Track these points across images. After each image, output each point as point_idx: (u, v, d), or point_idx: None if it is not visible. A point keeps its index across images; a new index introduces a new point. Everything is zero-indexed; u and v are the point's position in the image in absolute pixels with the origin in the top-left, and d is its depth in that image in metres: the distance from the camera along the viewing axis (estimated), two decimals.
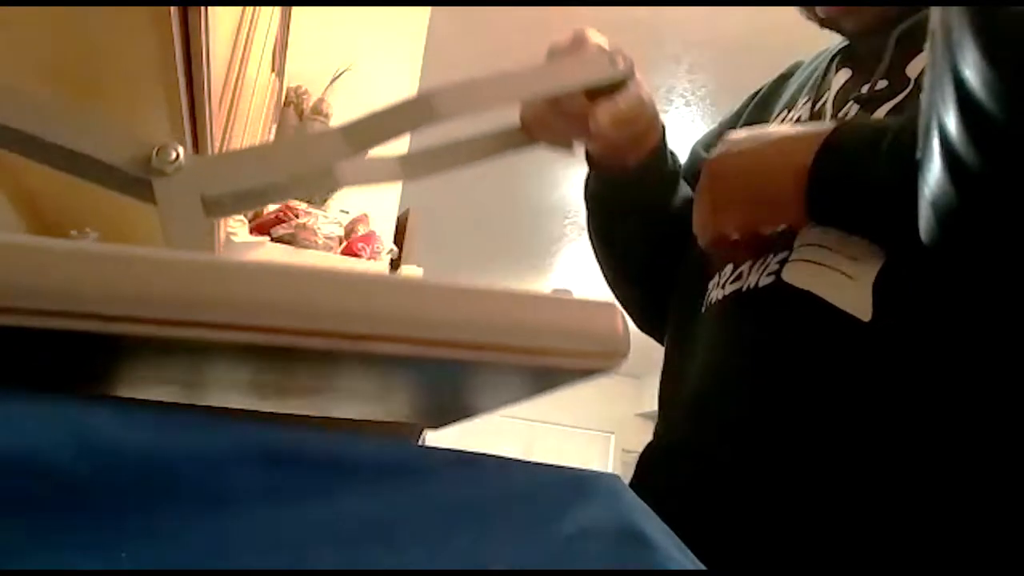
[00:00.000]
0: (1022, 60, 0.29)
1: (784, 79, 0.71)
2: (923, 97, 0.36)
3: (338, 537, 0.24)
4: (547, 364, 0.28)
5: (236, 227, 1.88)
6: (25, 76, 0.76)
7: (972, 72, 0.31)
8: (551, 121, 0.56)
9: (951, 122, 0.33)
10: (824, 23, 0.63)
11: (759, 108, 0.71)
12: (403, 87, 2.76)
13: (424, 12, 2.87)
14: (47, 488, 0.21)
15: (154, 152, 0.39)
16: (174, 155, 0.39)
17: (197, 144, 0.88)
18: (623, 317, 0.30)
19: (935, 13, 0.35)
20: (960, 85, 0.32)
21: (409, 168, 0.56)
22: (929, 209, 0.37)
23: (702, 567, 0.28)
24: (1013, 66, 0.30)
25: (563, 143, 0.58)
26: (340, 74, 2.51)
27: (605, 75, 0.54)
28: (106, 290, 0.24)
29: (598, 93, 0.54)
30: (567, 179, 4.39)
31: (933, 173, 0.35)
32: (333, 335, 0.26)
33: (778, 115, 0.66)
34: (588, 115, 0.53)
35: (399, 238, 2.66)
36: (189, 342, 0.25)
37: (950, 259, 0.37)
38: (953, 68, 0.32)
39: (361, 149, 0.47)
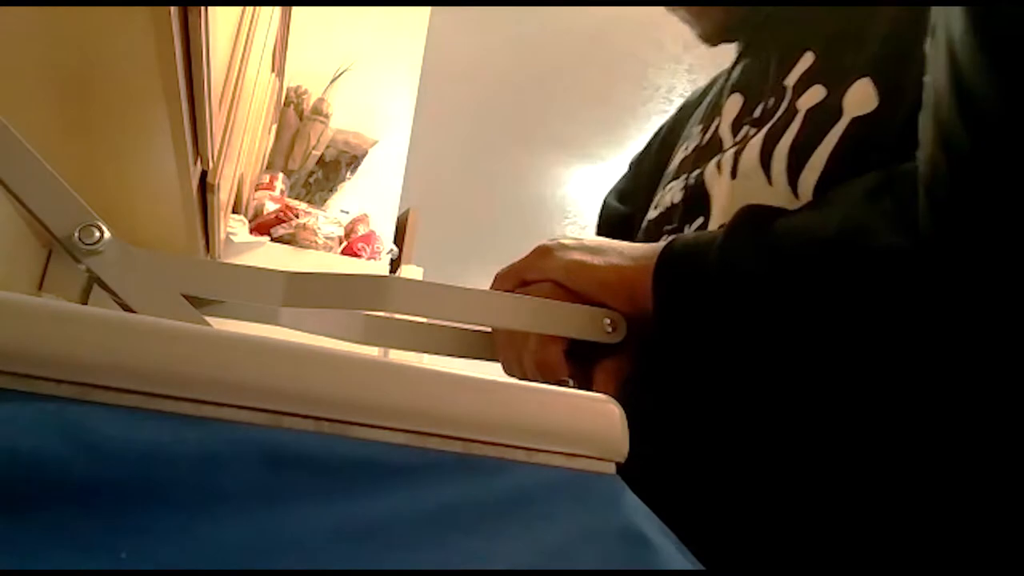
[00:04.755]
0: (1014, 49, 0.30)
1: (687, 108, 0.71)
2: (925, 84, 0.37)
3: (337, 537, 0.24)
4: (537, 462, 0.28)
5: (236, 227, 1.88)
6: (26, 76, 0.76)
7: (967, 61, 0.31)
8: (517, 353, 0.51)
9: (946, 110, 0.33)
10: (688, 22, 0.63)
11: (663, 146, 0.70)
12: (403, 87, 2.76)
13: (424, 12, 2.87)
14: (47, 488, 0.21)
15: (76, 233, 0.38)
16: (97, 235, 0.38)
17: (197, 144, 0.88)
18: (623, 415, 0.30)
19: (935, 10, 0.35)
20: (956, 75, 0.32)
21: (371, 333, 0.52)
22: (925, 198, 0.37)
23: (702, 567, 0.28)
24: (1007, 52, 0.30)
25: (521, 376, 0.51)
26: (340, 74, 2.52)
27: (597, 338, 0.47)
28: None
29: (584, 345, 0.48)
30: (568, 179, 4.39)
31: (929, 159, 0.35)
32: (321, 419, 0.26)
33: (677, 150, 0.66)
34: (574, 372, 0.48)
35: (399, 238, 2.67)
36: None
37: (945, 251, 0.37)
38: (949, 57, 0.32)
39: (296, 305, 0.44)
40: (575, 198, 4.58)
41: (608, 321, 0.47)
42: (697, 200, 0.56)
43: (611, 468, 0.29)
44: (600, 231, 0.73)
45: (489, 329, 0.53)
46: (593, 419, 0.29)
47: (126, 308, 0.40)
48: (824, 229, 0.41)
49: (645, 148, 0.75)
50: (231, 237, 1.84)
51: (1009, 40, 0.29)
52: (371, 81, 2.64)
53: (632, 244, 0.51)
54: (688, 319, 0.46)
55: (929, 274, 0.38)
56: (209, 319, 0.44)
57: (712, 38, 0.63)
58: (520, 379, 0.50)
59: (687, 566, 0.27)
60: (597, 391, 0.48)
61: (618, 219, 0.72)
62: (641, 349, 0.51)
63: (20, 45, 0.70)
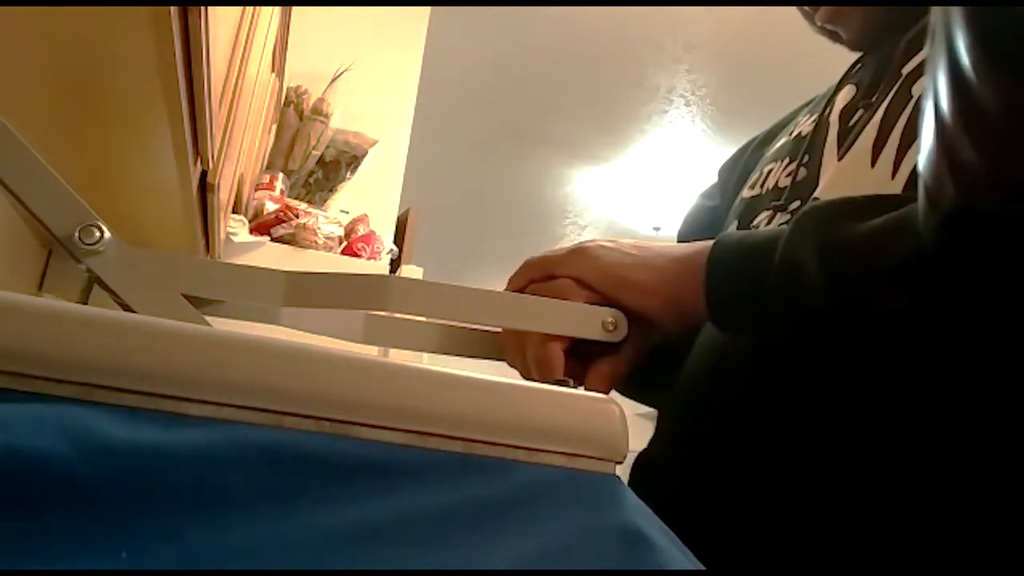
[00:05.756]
0: (1014, 50, 0.29)
1: (789, 115, 0.72)
2: (923, 85, 0.36)
3: (338, 537, 0.24)
4: (538, 462, 0.28)
5: (236, 227, 1.88)
6: (26, 76, 0.76)
7: (968, 63, 0.31)
8: (521, 351, 0.51)
9: (947, 114, 0.33)
10: (824, 32, 0.64)
11: (757, 150, 0.71)
12: (403, 87, 2.76)
13: (424, 12, 2.87)
14: (48, 488, 0.21)
15: (76, 233, 0.38)
16: (97, 235, 0.38)
17: (197, 144, 0.88)
18: (623, 415, 0.30)
19: (935, 10, 0.35)
20: (957, 77, 0.32)
21: (371, 333, 0.52)
22: (926, 203, 0.37)
23: (702, 567, 0.28)
24: (1007, 54, 0.30)
25: (526, 374, 0.52)
26: (340, 74, 2.51)
27: (596, 337, 0.47)
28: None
29: (586, 343, 0.48)
30: (569, 179, 4.39)
31: (930, 163, 0.35)
32: (322, 419, 0.26)
33: (781, 136, 0.66)
34: (568, 366, 0.49)
35: (399, 238, 2.66)
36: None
37: (949, 260, 0.37)
38: (950, 59, 0.32)
39: (296, 305, 0.44)
40: (575, 198, 4.57)
41: (609, 320, 0.47)
42: (808, 182, 0.56)
43: (611, 468, 0.29)
44: (683, 225, 0.74)
45: (489, 328, 0.53)
46: (593, 419, 0.29)
47: (126, 308, 0.40)
48: (892, 252, 0.40)
49: (739, 151, 0.75)
50: (231, 237, 1.84)
51: (1009, 42, 0.29)
52: (371, 81, 2.64)
53: (671, 245, 0.50)
54: (744, 314, 0.45)
55: (933, 279, 0.38)
56: (209, 319, 0.44)
57: (856, 43, 0.62)
58: (524, 377, 0.50)
59: (687, 566, 0.27)
60: (588, 389, 0.48)
61: (701, 211, 0.73)
62: (671, 347, 0.51)
63: (20, 45, 0.70)
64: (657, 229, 4.63)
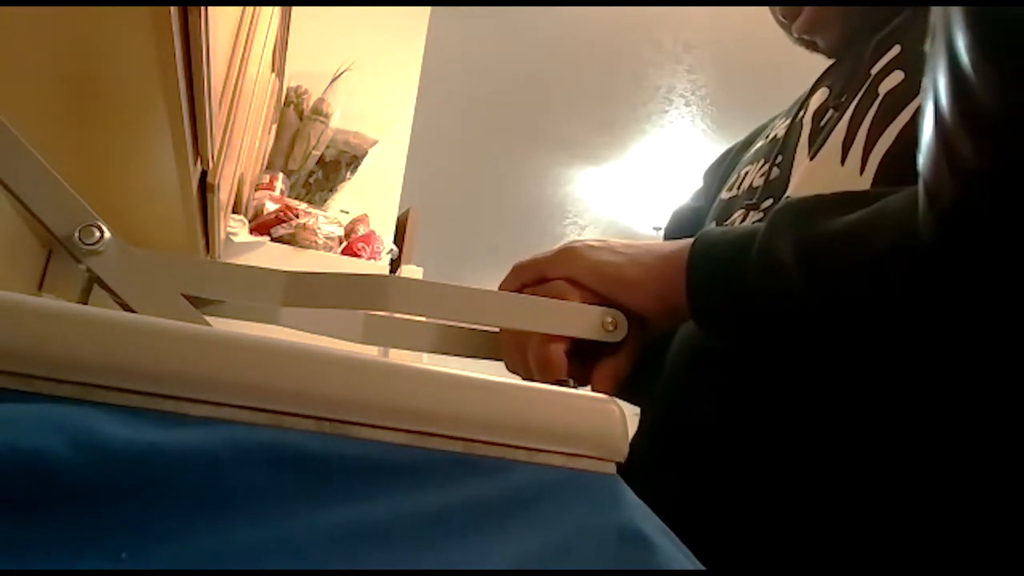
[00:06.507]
0: (1014, 50, 0.30)
1: (768, 121, 0.73)
2: (923, 84, 0.37)
3: (338, 537, 0.24)
4: (537, 462, 0.28)
5: (236, 227, 1.88)
6: (26, 76, 0.76)
7: (968, 63, 0.31)
8: (521, 352, 0.50)
9: (947, 113, 0.33)
10: (802, 43, 0.64)
11: (738, 154, 0.72)
12: (403, 87, 2.76)
13: (424, 12, 2.87)
14: (48, 488, 0.21)
15: (76, 233, 0.38)
16: (97, 235, 0.38)
17: (197, 144, 0.88)
18: (623, 415, 0.30)
19: (935, 10, 0.35)
20: (956, 77, 0.32)
21: (371, 333, 0.52)
22: (926, 201, 0.37)
23: (702, 567, 0.28)
24: (1006, 53, 0.30)
25: (526, 375, 0.51)
26: (340, 74, 2.51)
27: (597, 337, 0.47)
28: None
29: (585, 344, 0.48)
30: (568, 179, 4.39)
31: (930, 162, 0.35)
32: (322, 419, 0.26)
33: (758, 140, 0.67)
34: (573, 369, 0.48)
35: (399, 238, 2.66)
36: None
37: (949, 258, 0.37)
38: (950, 59, 0.32)
39: (296, 305, 0.44)
40: (575, 198, 4.57)
41: (609, 320, 0.47)
42: (780, 181, 0.56)
43: (611, 468, 0.29)
44: (668, 225, 0.76)
45: (489, 328, 0.53)
46: (593, 419, 0.29)
47: (126, 308, 0.40)
48: (868, 246, 0.40)
49: (722, 156, 0.76)
50: (231, 237, 1.84)
51: (1009, 41, 0.29)
52: (371, 81, 2.64)
53: (659, 243, 0.51)
54: (723, 309, 0.45)
55: (932, 278, 0.38)
56: (209, 319, 0.44)
57: (833, 51, 0.63)
58: (523, 378, 0.50)
59: (687, 566, 0.27)
60: (594, 390, 0.48)
61: (686, 211, 0.74)
62: (653, 347, 0.51)
63: (20, 45, 0.70)
64: (657, 229, 4.63)
